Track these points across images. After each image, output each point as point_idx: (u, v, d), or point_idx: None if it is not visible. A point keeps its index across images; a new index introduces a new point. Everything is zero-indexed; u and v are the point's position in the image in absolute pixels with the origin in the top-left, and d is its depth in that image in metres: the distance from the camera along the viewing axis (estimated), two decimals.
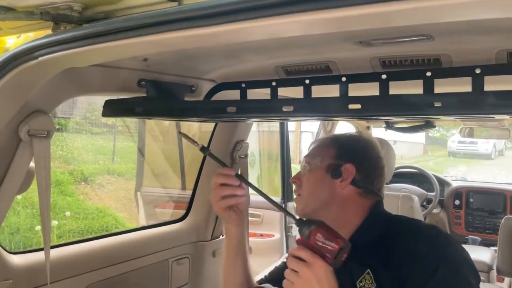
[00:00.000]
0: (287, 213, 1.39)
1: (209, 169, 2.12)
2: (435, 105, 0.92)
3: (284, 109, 1.15)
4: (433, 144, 20.83)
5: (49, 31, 0.99)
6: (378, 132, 4.06)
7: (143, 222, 3.51)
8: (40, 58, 0.94)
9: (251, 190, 1.31)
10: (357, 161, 1.26)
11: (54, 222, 5.41)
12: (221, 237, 2.25)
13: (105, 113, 1.42)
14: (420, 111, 0.98)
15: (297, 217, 1.17)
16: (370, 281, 1.15)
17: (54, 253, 1.43)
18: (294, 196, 1.35)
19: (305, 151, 1.38)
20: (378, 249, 1.16)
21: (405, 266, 1.10)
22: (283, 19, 0.72)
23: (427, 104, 0.97)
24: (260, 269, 2.02)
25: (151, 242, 1.91)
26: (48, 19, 0.94)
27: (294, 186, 1.34)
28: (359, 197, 1.25)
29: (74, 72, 1.23)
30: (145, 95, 1.49)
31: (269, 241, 3.36)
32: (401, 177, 4.05)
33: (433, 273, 1.06)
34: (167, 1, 0.80)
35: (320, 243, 1.01)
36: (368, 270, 1.16)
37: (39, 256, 1.40)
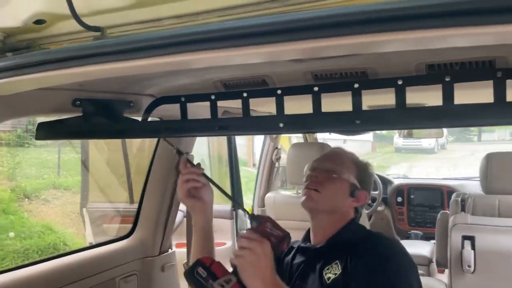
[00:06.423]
0: (241, 207, 1.62)
1: (155, 180, 2.09)
2: (356, 122, 0.98)
3: (220, 126, 1.17)
4: (381, 141, 21.54)
5: None
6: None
7: (91, 240, 3.39)
8: None
9: None
10: (368, 193, 1.49)
11: None
12: (169, 251, 2.24)
13: (39, 137, 1.38)
14: (346, 127, 1.04)
15: (249, 212, 1.38)
16: (337, 268, 1.34)
17: None
18: (304, 190, 1.45)
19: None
20: (347, 248, 1.35)
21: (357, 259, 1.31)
22: (218, 53, 0.72)
23: (351, 121, 1.02)
24: None
25: (95, 262, 1.86)
26: None
27: (304, 178, 1.48)
28: (351, 216, 1.46)
29: (2, 96, 1.19)
30: (81, 114, 1.47)
31: (221, 249, 3.35)
32: None
33: (361, 257, 1.28)
34: (89, 30, 0.79)
35: (268, 230, 1.24)
36: (337, 261, 1.34)
37: None
